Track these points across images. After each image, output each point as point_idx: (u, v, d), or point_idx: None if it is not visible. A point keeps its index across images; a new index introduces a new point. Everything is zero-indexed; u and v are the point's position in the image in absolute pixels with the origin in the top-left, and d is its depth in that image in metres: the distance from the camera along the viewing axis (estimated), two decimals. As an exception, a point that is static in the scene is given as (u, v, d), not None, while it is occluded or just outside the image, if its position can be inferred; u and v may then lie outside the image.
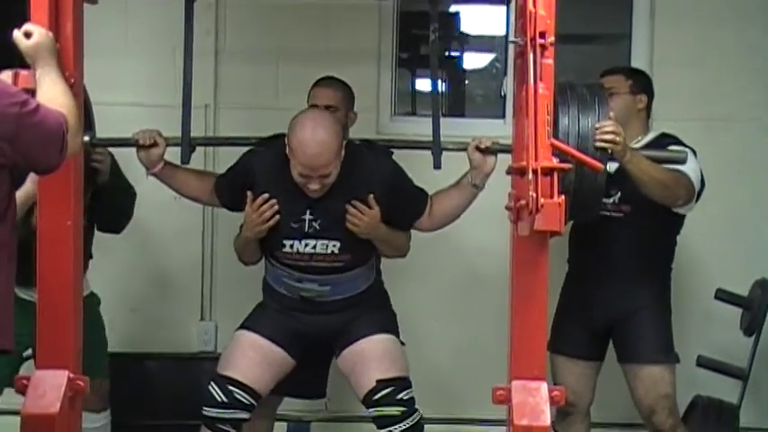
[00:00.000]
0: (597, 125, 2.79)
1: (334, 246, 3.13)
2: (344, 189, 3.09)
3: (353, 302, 3.21)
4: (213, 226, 4.15)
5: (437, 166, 3.11)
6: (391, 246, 3.25)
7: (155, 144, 3.14)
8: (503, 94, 4.30)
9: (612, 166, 3.08)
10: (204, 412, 3.14)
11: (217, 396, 3.12)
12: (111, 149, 3.33)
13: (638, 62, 4.10)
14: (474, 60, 4.83)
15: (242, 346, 3.18)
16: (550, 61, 2.48)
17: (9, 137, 2.16)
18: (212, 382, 3.15)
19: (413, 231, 3.29)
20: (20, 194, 2.40)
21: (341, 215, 3.09)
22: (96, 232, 3.46)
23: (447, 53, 4.69)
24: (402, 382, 3.12)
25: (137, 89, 4.07)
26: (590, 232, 3.46)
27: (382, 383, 3.09)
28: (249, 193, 3.11)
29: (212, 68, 4.15)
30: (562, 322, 3.52)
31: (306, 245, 3.13)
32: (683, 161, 3.22)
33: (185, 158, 3.13)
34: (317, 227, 3.11)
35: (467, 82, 4.85)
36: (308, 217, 3.11)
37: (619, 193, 3.40)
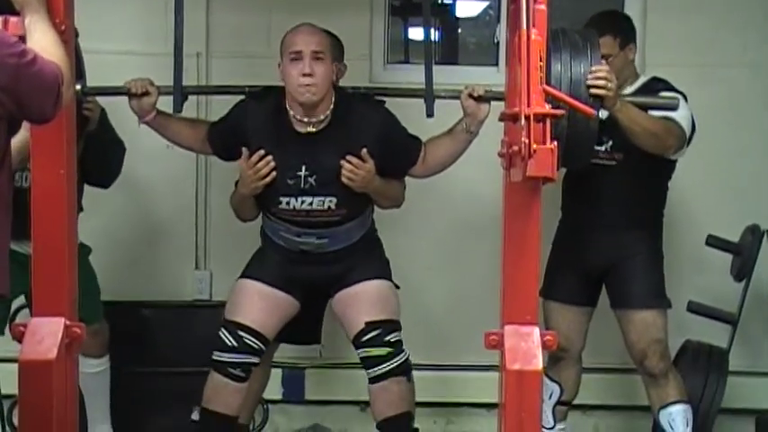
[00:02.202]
0: (590, 69, 2.79)
1: (330, 201, 3.16)
2: (338, 141, 3.11)
3: (350, 251, 3.26)
4: (207, 175, 4.15)
5: (430, 114, 3.12)
6: (387, 197, 3.28)
7: (146, 93, 3.14)
8: (496, 41, 4.29)
9: (604, 114, 3.09)
10: (215, 357, 3.18)
11: (228, 341, 3.16)
12: (100, 101, 3.32)
13: (631, 9, 4.08)
14: (467, 8, 4.81)
15: (248, 294, 3.23)
16: (543, 7, 2.47)
17: (7, 87, 2.15)
18: (223, 329, 3.19)
19: (407, 181, 3.31)
20: (14, 142, 2.39)
21: (336, 170, 3.11)
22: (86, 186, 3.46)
23: (440, 1, 4.67)
24: (390, 325, 3.18)
25: (128, 37, 4.04)
26: (582, 180, 3.47)
27: (370, 325, 3.15)
28: (244, 150, 3.12)
29: (204, 17, 4.11)
30: (555, 269, 3.54)
31: (302, 201, 3.15)
32: (674, 107, 3.22)
33: (178, 107, 3.13)
34: (313, 182, 3.13)
35: (460, 30, 4.82)
36: (303, 173, 3.13)
37: (611, 141, 3.40)
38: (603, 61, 2.91)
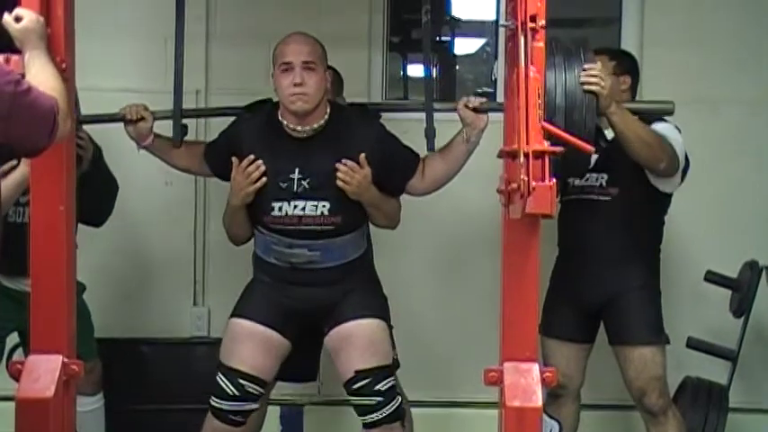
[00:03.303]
0: (584, 67, 2.83)
1: (323, 206, 3.10)
2: (333, 148, 3.07)
3: (343, 274, 3.18)
4: (205, 211, 4.16)
5: (431, 148, 3.11)
6: (382, 211, 3.20)
7: (142, 118, 3.15)
8: (494, 78, 4.31)
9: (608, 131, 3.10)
10: (215, 404, 3.13)
11: (228, 390, 3.12)
12: (97, 139, 3.33)
13: (627, 43, 4.11)
14: (465, 45, 4.84)
15: (240, 337, 3.16)
16: (541, 44, 2.49)
17: (3, 115, 2.14)
18: (221, 375, 3.14)
19: (403, 207, 3.28)
20: (15, 177, 2.40)
21: (330, 174, 3.07)
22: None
23: (438, 38, 4.70)
24: (382, 372, 3.12)
25: (127, 74, 4.06)
26: (577, 216, 3.48)
27: (361, 374, 3.10)
28: (234, 159, 3.10)
29: (203, 53, 4.15)
30: (553, 305, 3.54)
31: (295, 206, 3.10)
32: (670, 112, 3.24)
33: (177, 137, 3.14)
34: (306, 186, 3.09)
35: (457, 67, 4.85)
36: (296, 176, 3.09)
37: (605, 176, 3.42)
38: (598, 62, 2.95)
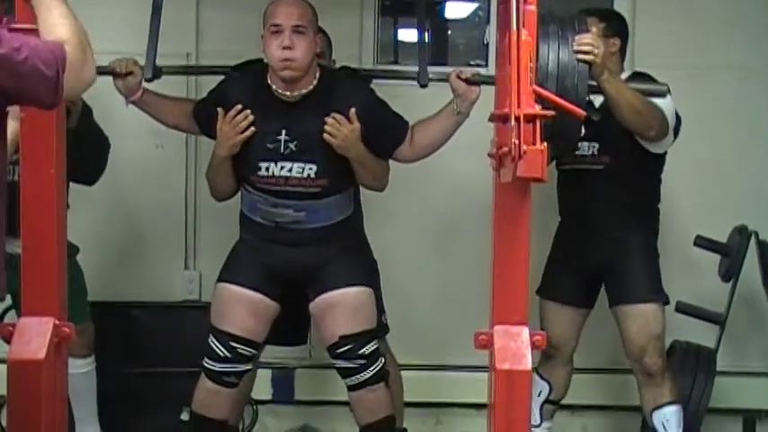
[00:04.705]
0: (576, 37, 2.83)
1: (310, 169, 3.09)
2: (321, 110, 3.06)
3: (328, 236, 3.17)
4: (196, 175, 4.14)
5: (424, 84, 3.13)
6: (368, 169, 3.17)
7: (131, 72, 3.15)
8: (485, 42, 4.30)
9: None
10: (208, 366, 3.15)
11: (220, 352, 3.14)
12: (88, 99, 3.31)
13: (619, 10, 4.08)
14: (456, 9, 4.81)
15: (228, 302, 3.18)
16: (533, 7, 2.48)
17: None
18: (213, 338, 3.15)
19: (392, 176, 3.28)
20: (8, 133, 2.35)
21: (318, 136, 3.06)
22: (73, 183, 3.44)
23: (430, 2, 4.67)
24: (365, 337, 3.13)
25: (117, 38, 4.01)
26: (573, 185, 3.51)
27: (344, 339, 3.12)
28: (220, 110, 3.08)
29: (194, 16, 4.12)
30: (554, 269, 3.57)
31: (281, 167, 3.09)
32: (663, 94, 3.25)
33: (149, 74, 3.13)
34: (294, 148, 3.08)
35: (449, 31, 4.83)
36: (283, 137, 3.08)
37: (596, 145, 3.42)
38: (594, 30, 3.00)
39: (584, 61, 2.88)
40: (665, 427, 3.46)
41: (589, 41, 2.91)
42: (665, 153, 3.49)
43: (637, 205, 3.49)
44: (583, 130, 3.08)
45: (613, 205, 3.46)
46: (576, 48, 2.84)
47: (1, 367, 2.65)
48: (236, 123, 3.07)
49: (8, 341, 2.63)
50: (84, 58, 2.09)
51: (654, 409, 3.47)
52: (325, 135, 3.05)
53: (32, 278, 2.67)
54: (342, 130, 3.05)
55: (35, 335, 2.59)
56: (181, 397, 3.46)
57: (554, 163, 3.46)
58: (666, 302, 3.51)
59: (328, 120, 3.05)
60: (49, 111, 2.23)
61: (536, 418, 3.61)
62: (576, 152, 3.45)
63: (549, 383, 3.62)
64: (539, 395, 3.60)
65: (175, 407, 3.68)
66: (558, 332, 3.43)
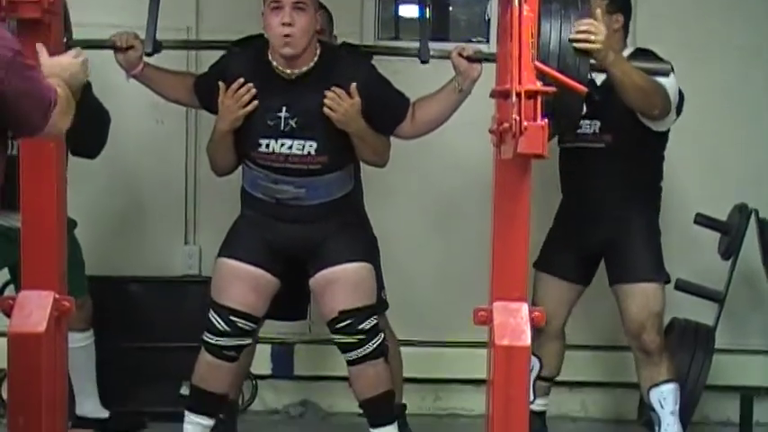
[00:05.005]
0: (576, 23, 2.77)
1: (310, 146, 3.09)
2: (322, 86, 3.05)
3: (328, 212, 3.17)
4: (196, 150, 4.13)
5: (425, 60, 3.11)
6: (369, 144, 3.16)
7: (132, 46, 3.14)
8: (487, 18, 4.29)
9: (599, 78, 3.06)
10: (208, 340, 3.16)
11: (219, 325, 3.15)
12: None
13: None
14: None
15: (228, 277, 3.18)
16: (535, -17, 2.47)
17: None
18: (213, 313, 3.16)
19: (393, 152, 3.27)
20: None
21: (318, 113, 3.05)
22: (72, 158, 3.44)
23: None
24: (364, 312, 3.14)
25: (116, 10, 4.01)
26: (574, 163, 3.51)
27: (344, 314, 3.13)
28: (222, 84, 3.08)
29: (194, -10, 4.11)
30: (553, 243, 3.57)
31: (282, 144, 3.09)
32: (666, 73, 3.23)
33: (149, 48, 3.12)
34: (294, 125, 3.08)
35: (450, 7, 4.81)
36: (284, 114, 3.08)
37: (598, 123, 3.42)
38: (598, 12, 2.92)
39: (584, 49, 2.79)
40: (661, 405, 3.48)
41: (587, 28, 2.81)
42: (668, 131, 3.48)
43: (638, 183, 3.48)
44: (584, 108, 3.06)
45: (615, 183, 3.45)
46: (572, 36, 2.75)
47: (1, 341, 2.65)
48: (239, 97, 3.06)
49: (8, 314, 2.65)
50: (66, 111, 2.24)
51: (651, 387, 3.48)
52: (325, 109, 3.05)
53: (32, 252, 2.68)
54: (342, 104, 3.04)
55: (35, 308, 2.60)
56: (180, 371, 3.48)
57: (555, 140, 3.45)
58: (667, 281, 3.51)
59: (328, 94, 3.04)
60: (29, 137, 2.32)
61: (529, 395, 3.61)
62: (578, 130, 3.44)
63: (539, 359, 3.62)
64: (530, 372, 3.60)
65: (175, 381, 3.69)
66: (549, 305, 3.41)
